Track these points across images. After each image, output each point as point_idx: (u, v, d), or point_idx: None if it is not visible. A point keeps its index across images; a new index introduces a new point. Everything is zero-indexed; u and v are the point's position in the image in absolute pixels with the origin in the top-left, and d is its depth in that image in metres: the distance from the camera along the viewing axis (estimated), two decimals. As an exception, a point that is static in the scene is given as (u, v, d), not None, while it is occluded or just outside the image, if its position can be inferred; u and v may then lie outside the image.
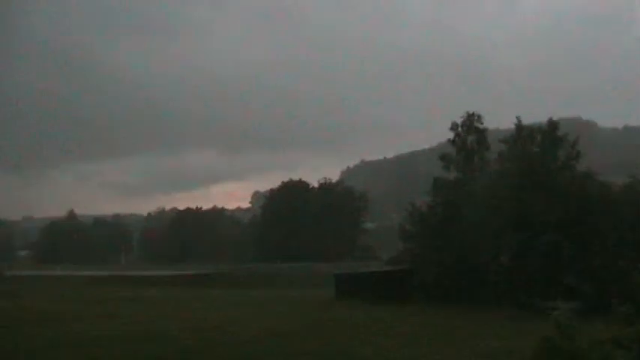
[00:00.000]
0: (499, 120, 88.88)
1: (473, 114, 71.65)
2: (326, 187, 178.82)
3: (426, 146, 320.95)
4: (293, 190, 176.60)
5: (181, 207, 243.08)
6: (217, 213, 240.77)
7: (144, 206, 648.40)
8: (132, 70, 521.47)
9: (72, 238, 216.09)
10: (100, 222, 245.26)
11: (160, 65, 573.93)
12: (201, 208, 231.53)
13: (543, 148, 66.69)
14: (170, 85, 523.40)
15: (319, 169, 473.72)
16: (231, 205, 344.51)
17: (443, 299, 57.02)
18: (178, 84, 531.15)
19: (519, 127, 67.67)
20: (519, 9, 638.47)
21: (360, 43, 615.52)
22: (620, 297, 16.50)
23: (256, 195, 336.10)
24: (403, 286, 62.83)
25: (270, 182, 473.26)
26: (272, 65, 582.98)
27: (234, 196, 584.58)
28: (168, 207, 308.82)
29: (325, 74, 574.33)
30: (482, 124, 71.65)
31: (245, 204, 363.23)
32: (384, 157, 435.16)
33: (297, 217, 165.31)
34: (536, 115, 76.30)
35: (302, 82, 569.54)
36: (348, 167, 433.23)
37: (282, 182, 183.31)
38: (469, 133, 71.40)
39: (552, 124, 67.83)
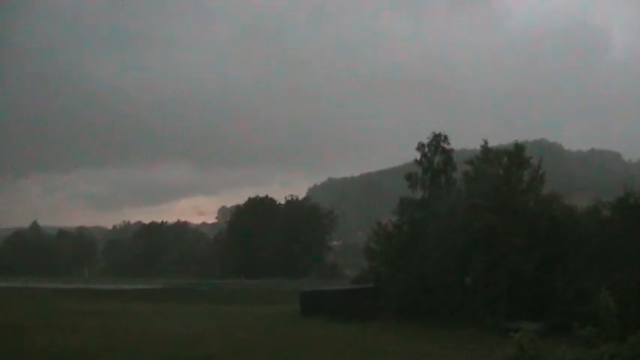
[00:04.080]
0: (467, 141, 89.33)
1: (439, 135, 72.04)
2: (293, 204, 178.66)
3: (393, 165, 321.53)
4: (259, 206, 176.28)
5: (148, 220, 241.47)
6: (181, 227, 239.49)
7: (111, 219, 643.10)
8: (105, 82, 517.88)
9: (35, 250, 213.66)
10: (64, 234, 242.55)
11: (135, 79, 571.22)
12: (166, 221, 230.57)
13: (509, 170, 67.17)
14: (145, 99, 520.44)
15: (287, 186, 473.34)
16: (197, 220, 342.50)
17: (408, 318, 57.24)
18: (153, 98, 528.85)
19: (486, 148, 68.15)
20: (494, 34, 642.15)
21: (333, 63, 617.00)
22: (583, 319, 16.74)
23: (223, 210, 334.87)
24: (368, 304, 63.02)
25: (237, 198, 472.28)
26: (247, 82, 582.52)
27: (200, 210, 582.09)
28: (134, 220, 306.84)
29: (297, 93, 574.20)
30: (448, 144, 72.08)
31: (211, 219, 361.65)
32: (351, 176, 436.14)
33: (263, 233, 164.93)
34: (503, 137, 77.05)
35: (274, 100, 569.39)
36: (315, 185, 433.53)
37: (249, 198, 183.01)
38: (436, 153, 71.76)
39: (518, 147, 68.30)
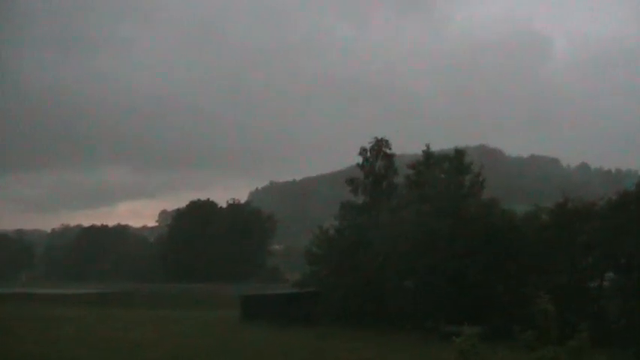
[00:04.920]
0: (409, 146, 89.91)
1: (381, 139, 72.28)
2: (234, 208, 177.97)
3: (335, 170, 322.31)
4: (200, 209, 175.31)
5: (87, 224, 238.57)
6: (121, 231, 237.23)
7: (50, 222, 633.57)
8: (44, 84, 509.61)
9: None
10: (1, 237, 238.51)
11: (74, 80, 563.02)
12: (106, 225, 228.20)
13: (450, 175, 67.71)
14: (85, 101, 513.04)
15: (229, 190, 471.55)
16: (137, 223, 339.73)
17: (349, 323, 57.32)
18: (93, 100, 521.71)
19: (427, 153, 68.63)
20: (437, 39, 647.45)
21: (276, 67, 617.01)
22: (523, 323, 16.92)
23: (163, 214, 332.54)
24: (309, 309, 62.97)
25: (178, 201, 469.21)
26: (189, 85, 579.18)
27: (141, 214, 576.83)
28: (74, 223, 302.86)
29: (239, 97, 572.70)
30: (390, 149, 72.36)
31: (152, 222, 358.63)
32: (293, 180, 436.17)
33: (204, 237, 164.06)
34: (445, 142, 77.69)
35: (216, 103, 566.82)
36: (257, 188, 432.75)
37: (190, 201, 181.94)
38: (377, 158, 71.97)
39: (458, 152, 68.92)
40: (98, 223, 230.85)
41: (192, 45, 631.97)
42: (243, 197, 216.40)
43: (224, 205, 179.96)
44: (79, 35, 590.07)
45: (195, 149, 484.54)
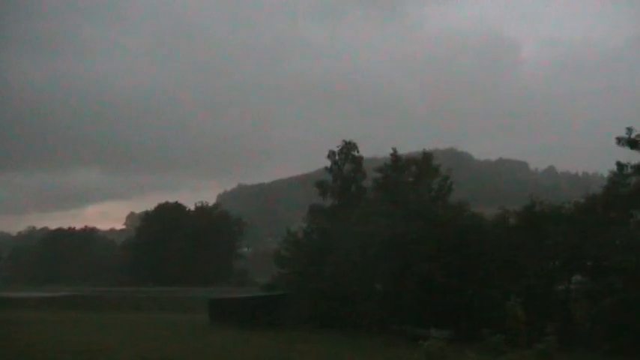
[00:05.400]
0: (378, 149, 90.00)
1: (350, 143, 72.39)
2: (202, 211, 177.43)
3: (304, 172, 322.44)
4: (169, 212, 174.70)
5: (54, 226, 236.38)
6: (88, 233, 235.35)
7: (16, 225, 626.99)
8: (12, 84, 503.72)
9: None
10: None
11: (44, 81, 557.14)
12: (73, 228, 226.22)
13: (418, 178, 67.89)
14: (53, 102, 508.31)
15: (197, 192, 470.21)
16: (105, 226, 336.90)
17: (318, 325, 57.27)
18: (62, 101, 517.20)
19: (395, 156, 68.72)
20: (408, 43, 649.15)
21: (247, 69, 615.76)
22: (492, 326, 16.87)
23: (131, 216, 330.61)
24: (278, 311, 62.79)
25: (146, 204, 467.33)
26: (158, 88, 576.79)
27: (109, 216, 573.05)
28: (40, 226, 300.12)
29: (209, 99, 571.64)
30: (358, 152, 72.44)
31: (119, 225, 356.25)
32: (262, 182, 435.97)
33: (172, 240, 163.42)
34: (415, 146, 77.77)
35: (185, 105, 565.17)
36: (225, 191, 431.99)
37: (158, 204, 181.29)
38: (346, 161, 72.05)
39: (426, 155, 69.15)
40: (65, 225, 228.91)
41: (163, 47, 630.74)
42: (211, 200, 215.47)
43: (192, 208, 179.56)
44: (48, 36, 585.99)
45: (163, 151, 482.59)
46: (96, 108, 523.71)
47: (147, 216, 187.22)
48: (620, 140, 34.71)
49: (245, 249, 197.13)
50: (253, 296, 74.77)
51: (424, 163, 68.54)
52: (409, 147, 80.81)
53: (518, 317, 16.26)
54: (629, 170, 40.55)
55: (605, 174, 53.25)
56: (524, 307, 16.92)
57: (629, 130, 34.10)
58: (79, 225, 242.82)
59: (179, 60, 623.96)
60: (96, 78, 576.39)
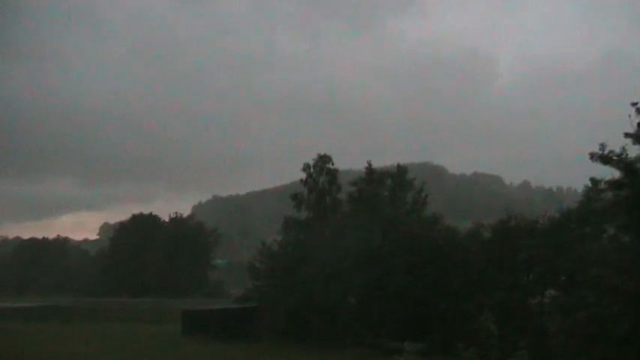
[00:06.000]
0: (354, 162, 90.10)
1: (324, 155, 72.42)
2: (177, 222, 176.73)
3: (279, 184, 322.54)
4: (143, 223, 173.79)
5: (28, 236, 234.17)
6: (62, 243, 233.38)
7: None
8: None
9: None
10: None
11: (19, 91, 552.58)
12: (47, 238, 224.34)
13: (393, 191, 68.02)
14: (30, 111, 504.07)
15: (172, 203, 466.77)
16: (78, 236, 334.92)
17: (292, 338, 57.09)
18: (39, 110, 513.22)
19: (370, 170, 68.81)
20: (386, 57, 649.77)
21: (224, 81, 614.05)
22: (466, 339, 16.85)
23: (105, 227, 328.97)
24: (252, 324, 62.62)
25: (121, 214, 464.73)
26: (135, 98, 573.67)
27: (83, 226, 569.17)
28: (13, 235, 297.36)
29: (185, 110, 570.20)
30: (333, 165, 72.46)
31: (93, 235, 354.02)
32: (237, 194, 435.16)
33: (146, 250, 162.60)
34: (390, 159, 77.97)
35: (162, 115, 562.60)
36: (200, 202, 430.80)
37: (133, 214, 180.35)
38: (321, 174, 72.01)
39: (400, 169, 69.32)
40: (39, 235, 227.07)
41: (140, 58, 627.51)
42: (186, 211, 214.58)
43: (167, 219, 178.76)
44: (24, 46, 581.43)
45: (138, 162, 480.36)
46: (70, 118, 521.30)
47: (121, 227, 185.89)
48: (593, 156, 34.85)
49: (219, 260, 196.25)
50: (227, 308, 74.53)
51: (399, 176, 68.72)
52: (384, 160, 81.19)
53: (491, 331, 16.26)
54: (603, 186, 40.76)
55: (579, 189, 53.64)
56: (498, 321, 16.93)
57: (603, 146, 34.27)
58: (52, 235, 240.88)
59: (155, 71, 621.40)
60: (71, 88, 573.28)
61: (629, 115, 32.65)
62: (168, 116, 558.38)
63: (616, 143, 33.79)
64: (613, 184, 36.45)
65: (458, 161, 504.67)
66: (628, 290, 31.18)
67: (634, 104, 32.34)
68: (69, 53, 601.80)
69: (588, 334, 39.13)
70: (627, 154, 33.69)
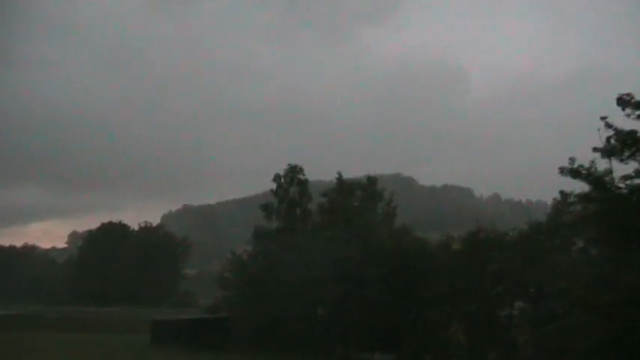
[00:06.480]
0: (325, 173, 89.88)
1: (295, 166, 72.41)
2: (146, 231, 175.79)
3: (249, 194, 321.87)
4: (112, 231, 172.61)
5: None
6: (29, 251, 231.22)
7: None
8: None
9: None
10: None
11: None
12: (14, 245, 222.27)
13: (363, 202, 68.11)
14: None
15: (142, 212, 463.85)
16: (47, 244, 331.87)
17: (260, 349, 56.96)
18: (7, 116, 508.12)
19: (340, 181, 68.87)
20: (357, 69, 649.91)
21: (195, 90, 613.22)
22: (434, 351, 16.94)
23: (74, 235, 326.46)
24: (221, 334, 62.43)
25: (90, 223, 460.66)
26: (105, 106, 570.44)
27: (51, 234, 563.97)
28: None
29: (156, 119, 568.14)
30: (304, 176, 72.43)
31: (61, 243, 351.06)
32: (207, 203, 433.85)
33: (116, 259, 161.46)
34: (362, 170, 77.77)
35: (132, 124, 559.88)
36: (170, 211, 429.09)
37: (102, 223, 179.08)
38: (291, 184, 71.98)
39: (370, 180, 69.46)
40: (6, 243, 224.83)
41: (112, 66, 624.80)
42: (156, 220, 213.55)
43: (136, 228, 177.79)
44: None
45: (109, 170, 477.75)
46: (39, 124, 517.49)
47: (90, 235, 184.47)
48: (562, 170, 35.14)
49: (189, 270, 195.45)
50: (197, 318, 74.21)
51: (369, 187, 68.87)
52: (355, 171, 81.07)
53: (460, 342, 16.34)
54: (572, 199, 41.07)
55: (549, 202, 53.94)
56: (467, 332, 17.00)
57: (572, 160, 34.60)
58: (20, 243, 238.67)
59: (127, 80, 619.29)
60: (40, 95, 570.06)
61: (599, 129, 32.95)
62: (138, 124, 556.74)
63: (586, 157, 34.10)
64: (582, 198, 36.78)
65: (428, 173, 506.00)
66: (596, 303, 31.38)
67: (603, 118, 32.63)
68: (38, 61, 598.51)
69: (557, 346, 39.36)
70: (596, 168, 33.99)
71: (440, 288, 50.16)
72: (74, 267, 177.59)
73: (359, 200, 68.50)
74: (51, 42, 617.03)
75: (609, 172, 33.52)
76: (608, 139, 32.86)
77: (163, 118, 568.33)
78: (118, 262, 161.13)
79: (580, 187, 36.02)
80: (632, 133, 32.03)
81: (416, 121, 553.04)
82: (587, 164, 34.05)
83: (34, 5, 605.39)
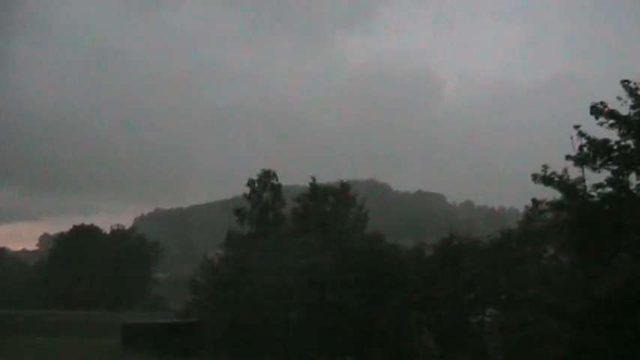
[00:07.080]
0: (299, 178, 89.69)
1: (269, 171, 72.35)
2: (118, 234, 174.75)
3: (222, 198, 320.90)
4: (83, 234, 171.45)
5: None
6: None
7: None
8: None
9: None
10: None
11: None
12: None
13: (336, 207, 68.04)
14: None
15: (113, 215, 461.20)
16: (16, 246, 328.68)
17: (231, 354, 56.81)
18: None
19: (314, 186, 68.82)
20: (334, 75, 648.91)
21: (170, 94, 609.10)
22: (406, 357, 16.93)
23: (45, 237, 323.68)
24: (191, 338, 62.14)
25: (61, 225, 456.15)
26: (78, 108, 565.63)
27: (21, 236, 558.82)
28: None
29: (129, 122, 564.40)
30: (277, 180, 72.39)
31: (32, 246, 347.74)
32: (179, 207, 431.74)
33: (86, 262, 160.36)
34: (336, 175, 77.75)
35: (106, 127, 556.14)
36: (142, 214, 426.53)
37: (73, 226, 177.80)
38: (265, 189, 71.89)
39: (344, 185, 69.42)
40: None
41: (83, 68, 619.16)
42: (128, 223, 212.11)
43: (108, 231, 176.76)
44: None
45: (80, 172, 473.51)
46: (9, 125, 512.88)
47: (61, 237, 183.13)
48: (535, 177, 35.25)
49: (161, 274, 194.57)
50: (168, 322, 73.89)
51: (342, 193, 68.84)
52: (329, 177, 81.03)
53: (430, 349, 16.32)
54: (544, 206, 41.26)
55: (521, 209, 54.18)
56: (439, 339, 16.99)
57: (545, 167, 34.72)
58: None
59: (100, 81, 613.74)
60: (10, 95, 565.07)
61: (571, 138, 33.09)
62: (112, 127, 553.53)
63: (559, 165, 34.25)
64: (554, 205, 36.91)
65: (403, 179, 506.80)
66: (567, 310, 31.53)
67: (576, 127, 32.78)
68: (8, 59, 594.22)
69: (527, 353, 39.51)
70: (569, 176, 34.14)
71: (412, 294, 50.27)
72: (45, 270, 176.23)
73: (331, 206, 68.43)
74: (21, 42, 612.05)
75: (581, 180, 33.66)
76: (581, 147, 32.99)
77: (136, 121, 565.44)
78: (90, 265, 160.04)
79: (552, 194, 36.18)
80: (605, 142, 32.16)
81: (390, 128, 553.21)
82: (559, 172, 34.20)
83: (11, 4, 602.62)
